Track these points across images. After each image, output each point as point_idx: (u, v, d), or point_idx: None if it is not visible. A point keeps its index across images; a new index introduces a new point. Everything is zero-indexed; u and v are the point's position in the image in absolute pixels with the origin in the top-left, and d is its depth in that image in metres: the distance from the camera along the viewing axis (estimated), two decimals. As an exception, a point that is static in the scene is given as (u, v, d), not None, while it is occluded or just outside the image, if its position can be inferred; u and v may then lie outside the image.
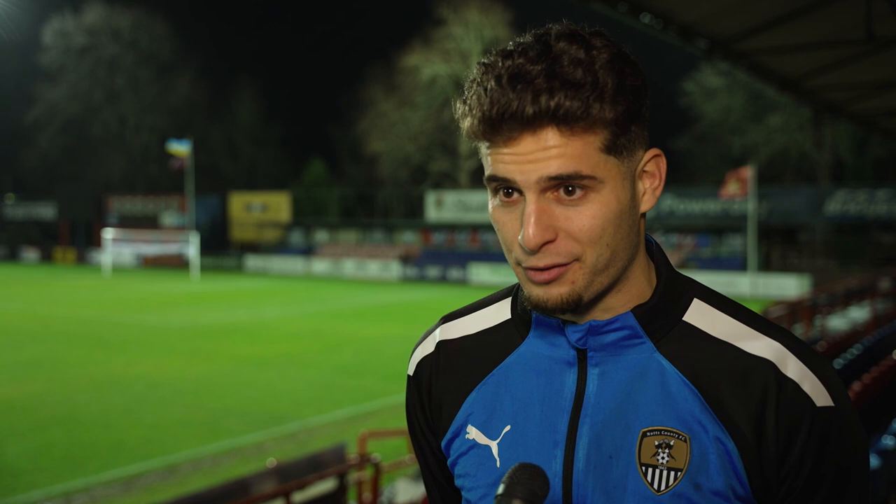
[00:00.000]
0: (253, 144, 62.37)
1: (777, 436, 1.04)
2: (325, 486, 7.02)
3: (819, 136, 41.61)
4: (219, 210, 53.53)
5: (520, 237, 1.02)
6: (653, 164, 1.09)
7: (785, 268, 36.08)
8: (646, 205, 1.09)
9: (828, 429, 1.05)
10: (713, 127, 45.53)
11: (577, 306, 1.06)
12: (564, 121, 0.98)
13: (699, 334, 1.10)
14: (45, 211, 58.07)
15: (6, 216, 60.18)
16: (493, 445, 1.15)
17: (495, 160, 1.03)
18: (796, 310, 15.92)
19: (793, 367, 1.06)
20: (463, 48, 49.13)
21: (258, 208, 51.71)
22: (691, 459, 1.05)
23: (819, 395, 1.05)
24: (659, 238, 37.10)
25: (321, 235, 48.19)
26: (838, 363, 8.38)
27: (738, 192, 30.55)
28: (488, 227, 41.62)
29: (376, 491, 7.35)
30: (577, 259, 1.03)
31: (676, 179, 45.36)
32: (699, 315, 1.12)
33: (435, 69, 49.58)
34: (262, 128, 62.61)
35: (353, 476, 7.51)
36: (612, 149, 1.02)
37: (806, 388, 1.05)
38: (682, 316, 1.11)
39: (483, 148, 1.05)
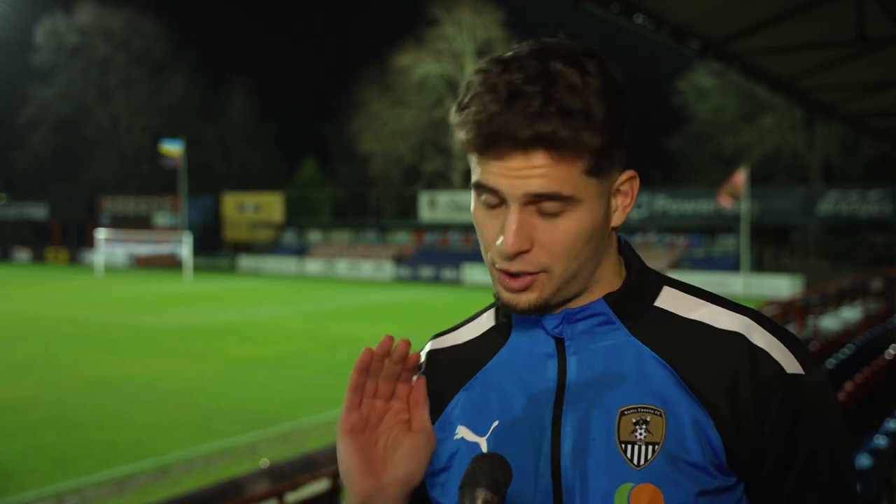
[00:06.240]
0: (246, 144, 62.25)
1: (750, 405, 1.08)
2: (319, 486, 7.01)
3: (811, 136, 41.74)
4: (211, 210, 53.37)
5: (498, 242, 1.08)
6: (627, 185, 1.15)
7: (777, 268, 36.16)
8: (616, 220, 1.15)
9: (799, 395, 1.09)
10: (706, 127, 45.59)
11: (544, 310, 1.13)
12: (555, 146, 1.03)
13: (671, 317, 1.15)
14: (37, 211, 57.82)
15: (-2, 216, 60.02)
16: (482, 441, 1.18)
17: (484, 170, 1.08)
18: (789, 310, 15.96)
19: (760, 338, 1.11)
20: (455, 48, 49.08)
21: (251, 208, 51.60)
22: (667, 433, 1.09)
23: (788, 362, 1.10)
24: (652, 238, 37.19)
25: (314, 235, 48.10)
26: (830, 363, 8.41)
27: (734, 196, 30.59)
28: (481, 228, 41.55)
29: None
30: (545, 270, 1.09)
31: (669, 179, 45.44)
32: (670, 299, 1.17)
33: (427, 69, 49.54)
34: (255, 128, 62.49)
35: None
36: (593, 172, 1.07)
37: (775, 355, 1.10)
38: (654, 301, 1.17)
39: (474, 156, 1.10)
